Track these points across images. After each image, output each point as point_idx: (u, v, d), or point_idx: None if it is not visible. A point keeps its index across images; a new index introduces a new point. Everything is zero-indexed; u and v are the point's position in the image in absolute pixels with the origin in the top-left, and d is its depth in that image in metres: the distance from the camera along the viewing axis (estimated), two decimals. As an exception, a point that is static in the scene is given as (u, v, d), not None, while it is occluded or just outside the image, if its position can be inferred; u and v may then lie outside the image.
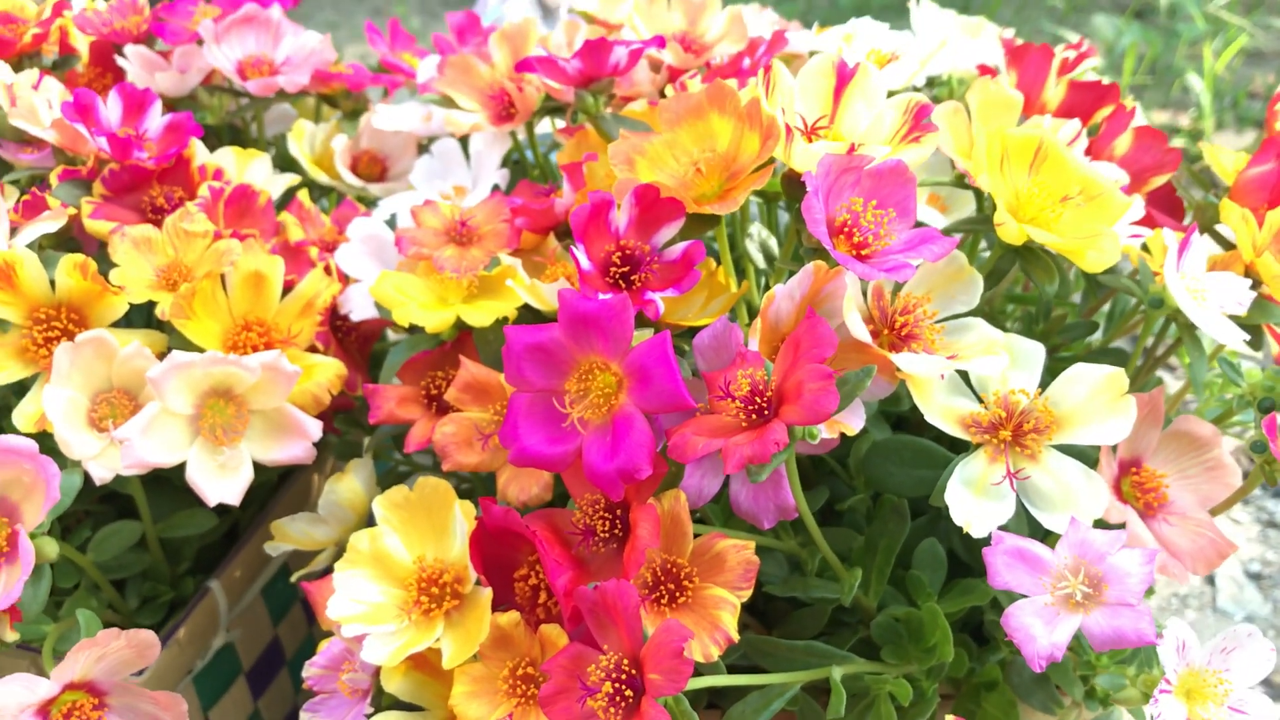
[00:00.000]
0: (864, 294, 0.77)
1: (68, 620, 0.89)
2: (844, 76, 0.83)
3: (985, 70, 1.01)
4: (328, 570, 0.90)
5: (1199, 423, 0.81)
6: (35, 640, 0.87)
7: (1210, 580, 1.50)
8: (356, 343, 0.98)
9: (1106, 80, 0.98)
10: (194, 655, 1.01)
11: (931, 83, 1.09)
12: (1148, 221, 0.92)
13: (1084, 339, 0.94)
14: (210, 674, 1.03)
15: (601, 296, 0.73)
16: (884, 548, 0.83)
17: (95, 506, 1.01)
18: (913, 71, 0.95)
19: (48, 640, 0.85)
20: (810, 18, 3.63)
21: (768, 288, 0.90)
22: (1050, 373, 1.01)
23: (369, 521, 0.89)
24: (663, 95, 1.01)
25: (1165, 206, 0.96)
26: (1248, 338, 0.78)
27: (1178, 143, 2.74)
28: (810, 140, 0.80)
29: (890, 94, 0.97)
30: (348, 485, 0.87)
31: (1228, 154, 0.96)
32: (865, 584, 0.83)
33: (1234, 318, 0.82)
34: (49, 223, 0.86)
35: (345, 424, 0.99)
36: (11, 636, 0.78)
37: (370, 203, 1.13)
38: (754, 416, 0.67)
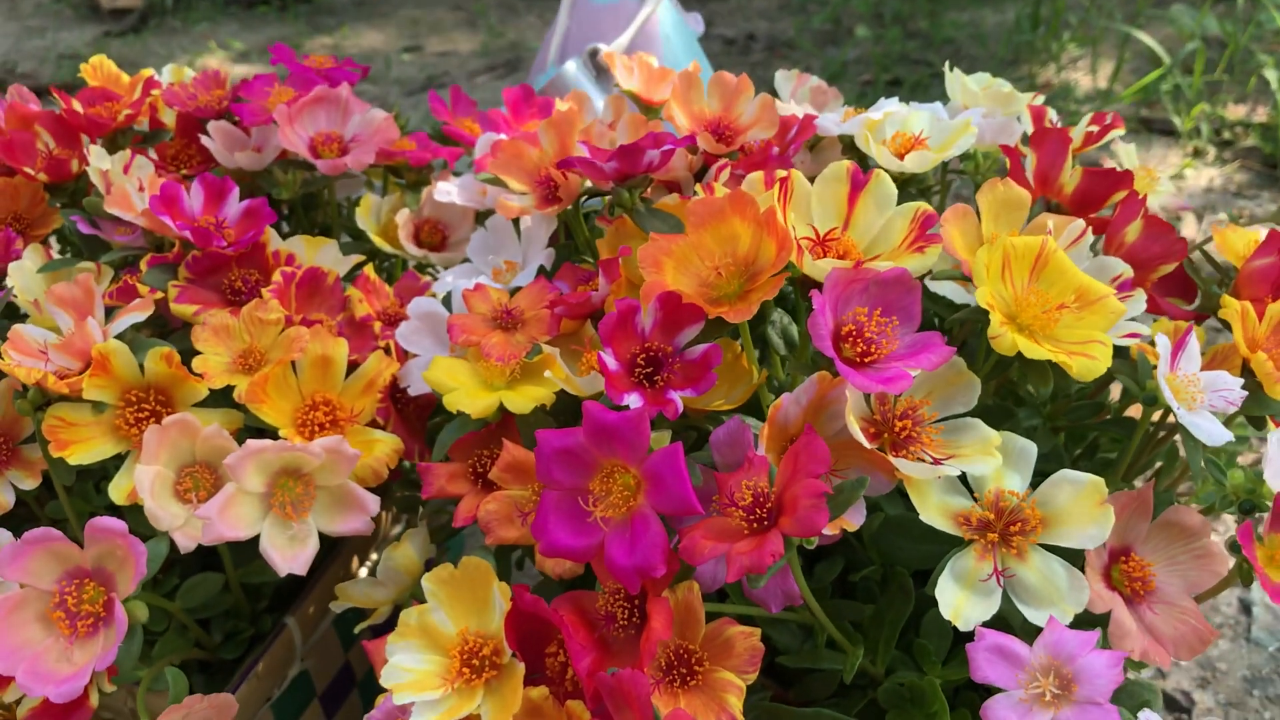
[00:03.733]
0: (868, 397, 0.83)
1: (161, 662, 1.00)
2: (857, 184, 0.89)
3: (1008, 151, 1.05)
4: (386, 625, 1.00)
5: (1188, 513, 0.86)
6: (130, 680, 0.97)
7: (1246, 609, 1.54)
8: (415, 412, 1.07)
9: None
10: (272, 685, 1.11)
11: (961, 156, 1.14)
12: (1154, 307, 0.97)
13: (1090, 418, 1.00)
14: (287, 700, 1.14)
15: (626, 397, 0.81)
16: (890, 621, 0.90)
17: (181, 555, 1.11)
18: (934, 160, 1.00)
19: (142, 684, 0.95)
20: (884, 7, 3.64)
21: (783, 377, 0.97)
22: (1071, 437, 1.06)
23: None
24: (698, 177, 1.08)
25: (1176, 288, 1.01)
26: (1232, 438, 0.82)
27: (1252, 141, 2.72)
28: (823, 251, 0.86)
29: (914, 179, 1.03)
30: (403, 553, 0.96)
31: (1240, 237, 1.00)
32: (873, 653, 0.90)
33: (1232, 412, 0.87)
34: (138, 313, 0.96)
35: (404, 485, 1.08)
36: (109, 689, 0.89)
37: (425, 267, 1.22)
38: (755, 525, 0.75)
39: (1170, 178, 2.64)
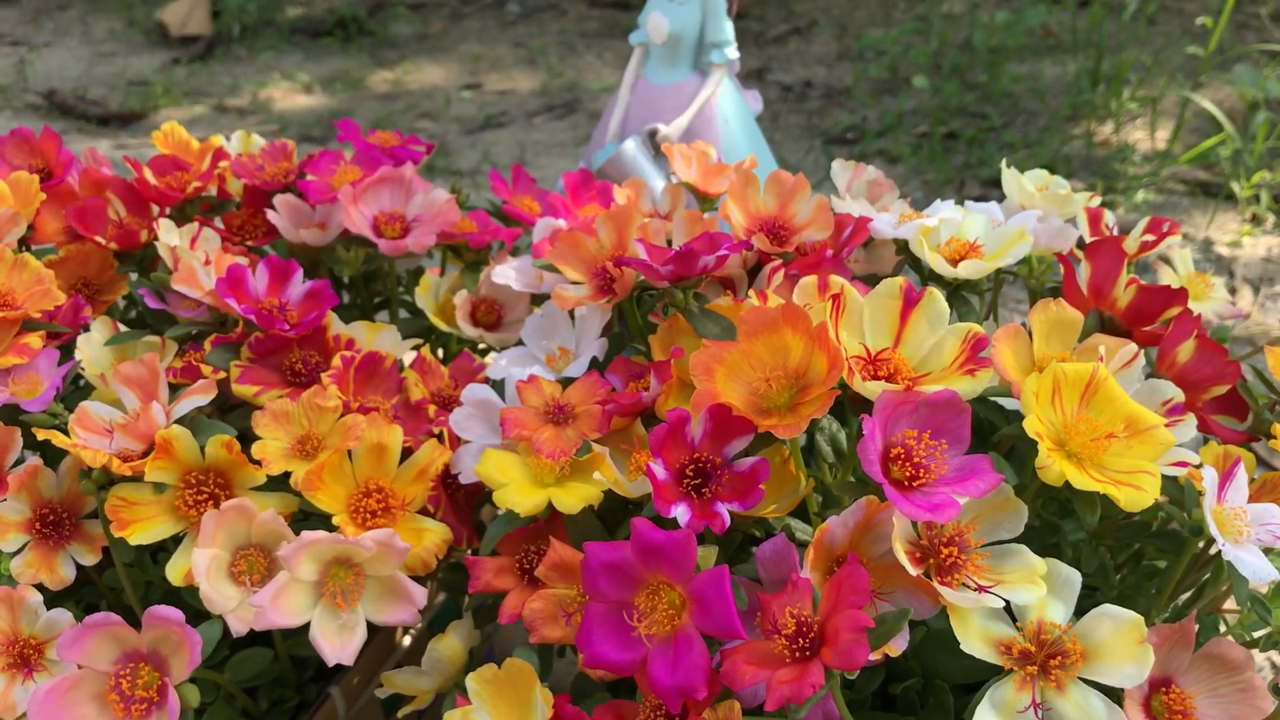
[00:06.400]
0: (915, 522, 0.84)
1: (207, 735, 1.03)
2: (910, 301, 0.90)
3: (1063, 259, 1.06)
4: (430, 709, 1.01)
5: (1232, 646, 0.85)
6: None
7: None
8: (465, 497, 1.09)
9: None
10: (314, 754, 1.13)
11: (1016, 258, 1.15)
12: (1204, 426, 0.96)
13: (1139, 535, 0.99)
14: (328, 767, 1.16)
15: (674, 508, 0.83)
16: (929, 737, 0.90)
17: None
18: (988, 269, 1.01)
19: (189, 759, 0.98)
20: (942, 58, 3.64)
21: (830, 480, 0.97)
22: (1121, 544, 1.06)
23: (465, 672, 0.99)
24: (752, 274, 1.09)
25: (1228, 407, 1.01)
26: (1278, 576, 0.82)
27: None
28: (874, 370, 0.87)
29: (969, 284, 1.04)
30: (448, 644, 0.98)
31: (1293, 358, 1.00)
32: (911, 766, 0.91)
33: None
34: (201, 396, 0.98)
35: (450, 569, 1.10)
36: (160, 767, 0.91)
37: (476, 345, 1.25)
38: (797, 654, 0.76)
39: (1227, 245, 2.62)
